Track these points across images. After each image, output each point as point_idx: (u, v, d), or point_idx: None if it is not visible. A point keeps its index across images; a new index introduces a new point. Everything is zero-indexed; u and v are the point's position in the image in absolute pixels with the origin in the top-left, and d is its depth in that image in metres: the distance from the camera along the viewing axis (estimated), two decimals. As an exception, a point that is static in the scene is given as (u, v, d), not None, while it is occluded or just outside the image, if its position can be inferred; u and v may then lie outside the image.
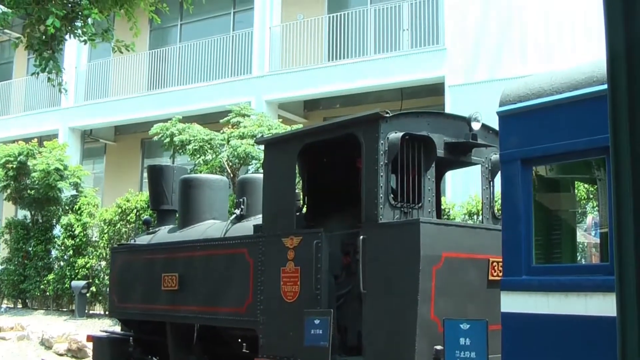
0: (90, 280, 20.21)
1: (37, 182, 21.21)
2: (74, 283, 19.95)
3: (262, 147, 10.32)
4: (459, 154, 8.24)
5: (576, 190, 10.42)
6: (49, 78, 10.88)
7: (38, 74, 10.62)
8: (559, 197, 6.74)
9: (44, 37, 10.25)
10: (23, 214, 24.32)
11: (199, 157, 18.19)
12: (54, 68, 10.54)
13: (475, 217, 14.05)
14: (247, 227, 9.56)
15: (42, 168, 20.95)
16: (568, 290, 5.26)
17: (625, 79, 3.06)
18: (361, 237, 7.45)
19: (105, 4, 10.04)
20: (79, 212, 21.26)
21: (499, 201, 7.04)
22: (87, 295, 20.08)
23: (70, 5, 10.06)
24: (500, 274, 6.32)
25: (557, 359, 5.32)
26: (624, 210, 3.06)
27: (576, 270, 5.75)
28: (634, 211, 3.03)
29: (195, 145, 17.93)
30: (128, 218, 19.51)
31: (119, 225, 19.78)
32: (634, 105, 3.04)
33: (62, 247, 21.51)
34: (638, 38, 3.03)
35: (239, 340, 10.31)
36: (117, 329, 13.45)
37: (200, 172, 17.37)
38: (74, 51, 26.94)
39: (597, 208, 10.34)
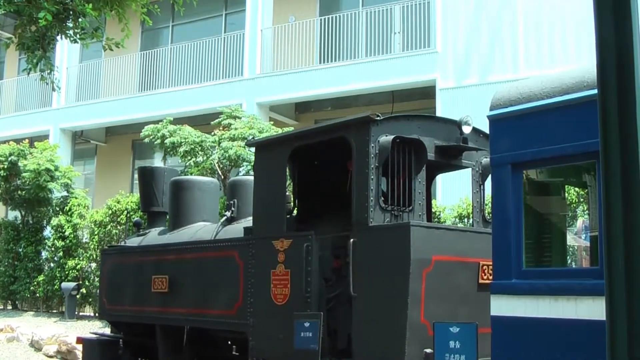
0: (81, 282, 20.14)
1: (27, 182, 21.14)
2: (64, 285, 19.87)
3: (253, 149, 10.32)
4: (449, 158, 8.25)
5: (566, 194, 10.44)
6: (41, 76, 10.86)
7: (29, 71, 10.60)
8: (549, 201, 6.75)
9: (36, 35, 10.24)
10: (13, 214, 24.25)
11: (190, 159, 18.19)
12: (46, 66, 10.53)
13: (465, 220, 14.07)
14: (237, 229, 9.55)
15: (33, 169, 20.88)
16: (558, 294, 5.27)
17: (615, 84, 3.07)
18: (351, 240, 7.45)
19: (97, 4, 10.03)
20: (69, 213, 21.19)
21: (490, 204, 7.04)
22: (77, 297, 20.01)
23: (61, 4, 10.04)
24: (491, 277, 6.32)
25: (546, 362, 5.33)
26: (613, 214, 3.07)
27: (566, 274, 5.76)
28: (623, 215, 3.04)
29: (186, 147, 17.92)
30: (118, 219, 19.47)
31: (109, 226, 19.73)
32: (624, 110, 3.05)
33: (53, 249, 21.45)
34: (628, 43, 3.05)
35: (229, 342, 10.30)
36: (107, 331, 13.42)
37: (191, 174, 17.34)
38: (65, 52, 26.91)
39: (587, 212, 10.37)
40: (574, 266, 8.98)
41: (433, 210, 12.24)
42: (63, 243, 20.90)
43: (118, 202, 19.71)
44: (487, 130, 6.43)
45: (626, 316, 3.02)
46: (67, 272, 20.43)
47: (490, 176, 6.36)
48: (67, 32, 10.50)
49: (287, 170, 8.99)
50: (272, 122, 19.49)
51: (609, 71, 3.10)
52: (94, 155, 30.05)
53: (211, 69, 24.64)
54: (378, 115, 7.56)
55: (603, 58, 3.12)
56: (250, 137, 16.58)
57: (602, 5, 3.13)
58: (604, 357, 3.11)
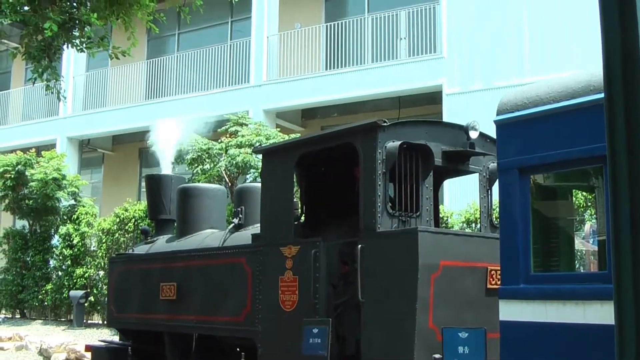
0: (89, 290, 20.19)
1: (35, 192, 21.21)
2: (72, 293, 19.92)
3: (260, 156, 10.32)
4: (456, 163, 8.24)
5: (574, 198, 10.43)
6: (47, 86, 10.88)
7: (35, 80, 10.63)
8: (556, 205, 6.74)
9: (42, 44, 10.27)
10: (21, 224, 24.31)
11: (197, 166, 18.20)
12: (52, 76, 10.55)
13: (473, 225, 14.06)
14: (245, 236, 9.55)
15: (40, 178, 20.96)
16: (566, 299, 5.26)
17: (622, 88, 3.07)
18: (359, 246, 7.44)
19: (102, 13, 10.05)
20: (77, 221, 21.24)
21: (497, 209, 7.04)
22: (86, 305, 20.05)
23: (67, 13, 10.07)
24: (499, 282, 6.32)
25: (555, 367, 5.33)
26: (621, 218, 3.07)
27: (574, 279, 5.75)
28: (631, 219, 3.03)
29: (193, 155, 17.95)
30: (126, 228, 19.51)
31: (117, 234, 19.77)
32: (631, 114, 3.05)
33: (60, 257, 21.50)
34: (634, 46, 3.04)
35: (238, 349, 10.30)
36: (116, 338, 13.43)
37: (198, 181, 17.36)
38: (72, 61, 26.97)
39: (594, 216, 10.35)
40: (582, 271, 8.98)
41: (440, 215, 12.23)
42: (71, 251, 20.95)
43: (126, 210, 19.75)
44: (494, 135, 6.43)
45: (634, 320, 3.02)
46: (75, 281, 20.48)
47: (497, 181, 6.35)
48: (74, 41, 10.53)
49: (294, 176, 9.00)
50: (278, 129, 19.52)
51: (615, 75, 3.09)
52: (101, 164, 30.12)
53: (217, 76, 24.68)
54: (385, 121, 7.56)
55: (609, 62, 3.12)
56: (257, 144, 16.60)
57: (607, 7, 3.13)
58: (613, 361, 3.10)
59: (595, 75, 5.25)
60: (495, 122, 6.05)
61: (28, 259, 22.59)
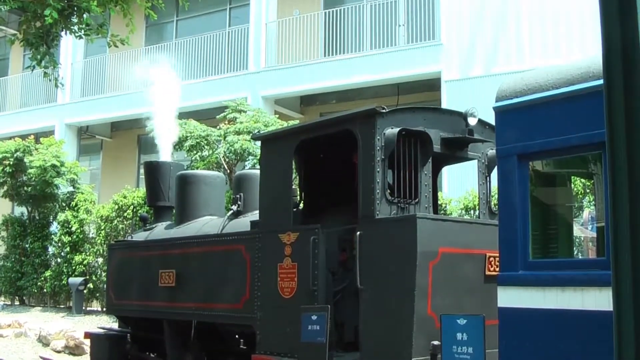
0: (88, 277, 20.20)
1: (33, 178, 21.20)
2: (71, 280, 19.94)
3: (258, 143, 10.32)
4: (455, 149, 8.24)
5: (573, 185, 10.43)
6: (45, 73, 10.88)
7: (33, 67, 10.64)
8: (555, 192, 6.74)
9: (40, 31, 10.27)
10: (20, 210, 24.31)
11: (196, 153, 18.20)
12: (50, 63, 10.56)
13: (472, 212, 14.06)
14: (244, 223, 9.56)
15: (39, 165, 20.95)
16: (564, 285, 5.27)
17: (621, 74, 3.06)
18: (358, 232, 7.45)
19: (101, 0, 10.05)
20: (75, 208, 21.24)
21: (496, 196, 7.04)
22: (85, 292, 20.07)
23: (66, 0, 10.06)
24: (497, 269, 6.32)
25: (553, 353, 5.33)
26: (620, 205, 3.07)
27: (573, 265, 5.75)
28: (630, 206, 3.03)
29: (191, 142, 17.94)
30: (125, 214, 19.49)
31: (115, 221, 19.75)
32: (630, 100, 3.04)
33: (59, 244, 21.51)
34: (634, 33, 3.04)
35: (236, 336, 10.32)
36: (115, 325, 13.45)
37: (197, 168, 17.37)
38: (70, 48, 26.92)
39: (593, 202, 10.35)
40: (580, 257, 8.98)
41: (439, 202, 12.24)
42: (70, 238, 20.96)
43: (124, 197, 19.73)
44: (492, 121, 6.42)
45: (633, 307, 3.02)
46: (74, 268, 20.48)
47: (496, 168, 6.35)
48: (72, 28, 10.52)
49: (293, 163, 8.99)
50: (277, 116, 19.49)
51: (615, 61, 3.09)
52: (99, 151, 30.08)
53: (216, 63, 24.63)
54: (383, 108, 7.55)
55: (609, 48, 3.11)
56: (256, 130, 16.59)
57: (607, -5, 3.12)
58: (610, 347, 3.10)
59: (594, 61, 5.24)
60: (494, 108, 6.04)
61: (27, 245, 22.61)
